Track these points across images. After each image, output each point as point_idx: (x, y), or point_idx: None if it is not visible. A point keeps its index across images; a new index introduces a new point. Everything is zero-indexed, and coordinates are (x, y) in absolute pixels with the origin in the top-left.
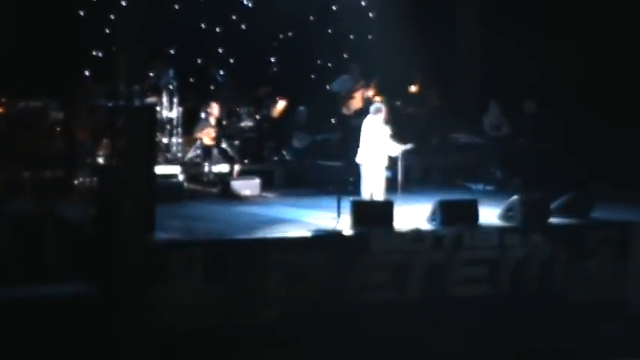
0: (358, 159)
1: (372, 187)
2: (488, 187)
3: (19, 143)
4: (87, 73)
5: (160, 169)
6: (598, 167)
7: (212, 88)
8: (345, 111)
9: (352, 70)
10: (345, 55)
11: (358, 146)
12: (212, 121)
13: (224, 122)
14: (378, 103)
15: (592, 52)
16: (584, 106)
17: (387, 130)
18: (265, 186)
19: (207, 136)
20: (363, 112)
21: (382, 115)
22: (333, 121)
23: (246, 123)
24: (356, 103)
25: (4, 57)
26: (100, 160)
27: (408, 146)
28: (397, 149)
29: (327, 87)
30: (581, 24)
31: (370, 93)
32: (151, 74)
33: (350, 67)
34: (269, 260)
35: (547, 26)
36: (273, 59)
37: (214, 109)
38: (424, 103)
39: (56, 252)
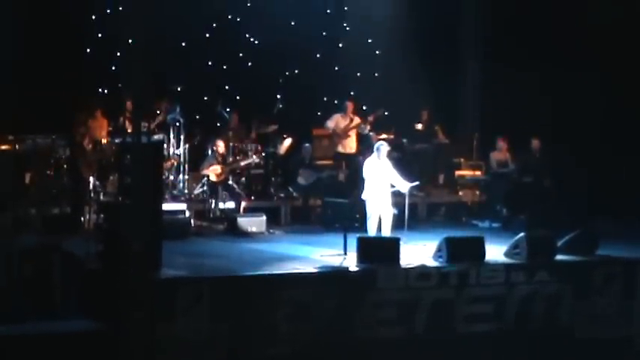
0: (364, 196)
1: (379, 224)
2: (494, 225)
3: (27, 180)
4: (94, 109)
5: (167, 206)
6: (605, 203)
7: (218, 124)
8: (340, 149)
9: (345, 107)
10: (351, 93)
11: (363, 184)
12: (218, 157)
13: (230, 159)
14: (380, 141)
15: (608, 88)
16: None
17: (391, 167)
18: (271, 223)
19: (213, 172)
20: (364, 149)
21: (384, 153)
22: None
23: (253, 160)
24: (351, 141)
25: (12, 94)
26: (107, 197)
27: (415, 183)
28: (405, 186)
29: (324, 127)
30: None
31: (367, 129)
32: (158, 111)
33: (342, 105)
34: (276, 297)
35: (559, 61)
36: (279, 96)
37: (220, 145)
38: (430, 140)
39: (63, 288)
